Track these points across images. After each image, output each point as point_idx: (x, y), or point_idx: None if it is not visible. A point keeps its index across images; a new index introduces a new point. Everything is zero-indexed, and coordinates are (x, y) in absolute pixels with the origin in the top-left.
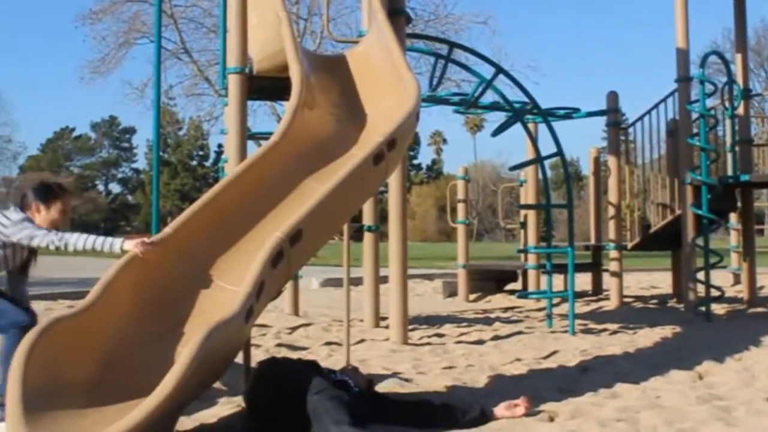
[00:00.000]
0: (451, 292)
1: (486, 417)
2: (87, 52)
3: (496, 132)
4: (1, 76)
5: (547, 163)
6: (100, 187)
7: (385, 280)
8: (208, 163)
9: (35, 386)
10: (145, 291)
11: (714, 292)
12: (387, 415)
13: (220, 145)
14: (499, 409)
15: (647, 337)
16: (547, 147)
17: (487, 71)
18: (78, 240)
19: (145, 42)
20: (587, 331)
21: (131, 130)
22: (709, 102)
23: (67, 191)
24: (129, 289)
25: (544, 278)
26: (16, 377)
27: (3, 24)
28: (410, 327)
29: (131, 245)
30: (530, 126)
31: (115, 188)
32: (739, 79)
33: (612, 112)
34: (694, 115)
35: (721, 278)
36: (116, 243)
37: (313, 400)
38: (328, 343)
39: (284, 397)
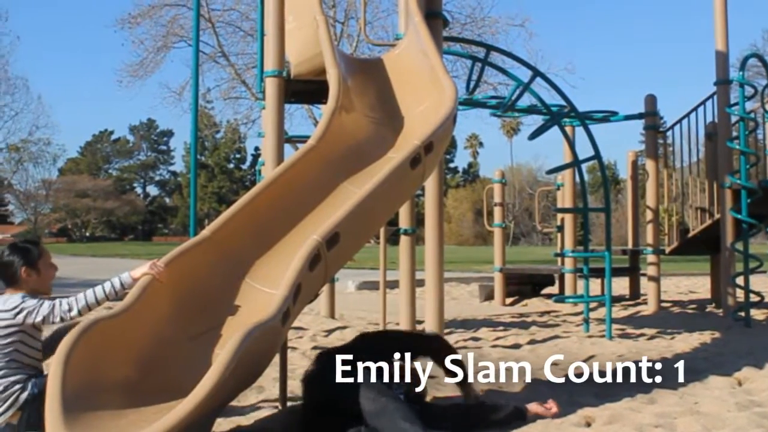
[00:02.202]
0: (487, 295)
1: (521, 412)
2: (126, 56)
3: (534, 135)
4: (41, 79)
5: (584, 166)
6: (138, 190)
7: (421, 283)
8: (245, 166)
9: (75, 386)
10: (183, 293)
11: (754, 297)
12: (428, 419)
13: (257, 148)
14: (532, 405)
15: (685, 342)
16: (584, 150)
17: (524, 74)
18: (85, 299)
19: (182, 46)
20: (624, 335)
21: (169, 133)
22: (749, 105)
23: (40, 244)
24: (167, 291)
25: (580, 282)
26: (56, 377)
27: (44, 27)
28: (446, 330)
29: (144, 269)
30: (567, 129)
31: (152, 191)
32: None
33: (650, 116)
34: (734, 119)
35: (760, 283)
36: (123, 276)
37: (381, 401)
38: None
39: (340, 394)
